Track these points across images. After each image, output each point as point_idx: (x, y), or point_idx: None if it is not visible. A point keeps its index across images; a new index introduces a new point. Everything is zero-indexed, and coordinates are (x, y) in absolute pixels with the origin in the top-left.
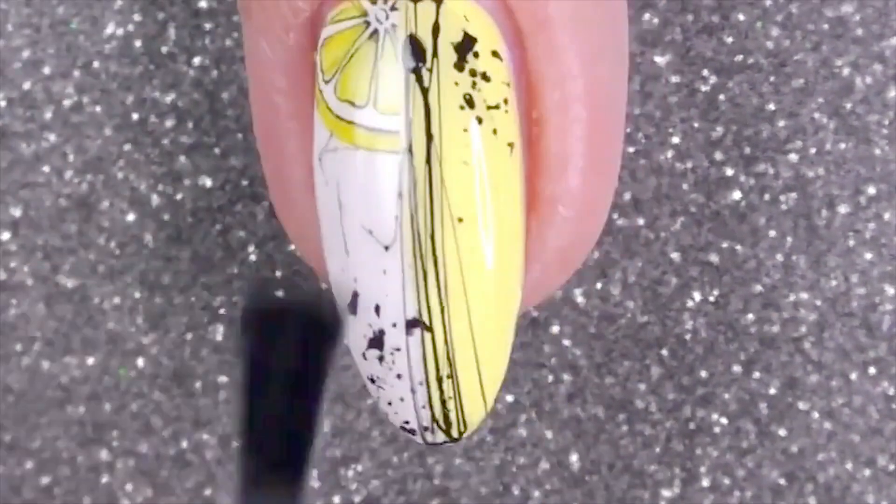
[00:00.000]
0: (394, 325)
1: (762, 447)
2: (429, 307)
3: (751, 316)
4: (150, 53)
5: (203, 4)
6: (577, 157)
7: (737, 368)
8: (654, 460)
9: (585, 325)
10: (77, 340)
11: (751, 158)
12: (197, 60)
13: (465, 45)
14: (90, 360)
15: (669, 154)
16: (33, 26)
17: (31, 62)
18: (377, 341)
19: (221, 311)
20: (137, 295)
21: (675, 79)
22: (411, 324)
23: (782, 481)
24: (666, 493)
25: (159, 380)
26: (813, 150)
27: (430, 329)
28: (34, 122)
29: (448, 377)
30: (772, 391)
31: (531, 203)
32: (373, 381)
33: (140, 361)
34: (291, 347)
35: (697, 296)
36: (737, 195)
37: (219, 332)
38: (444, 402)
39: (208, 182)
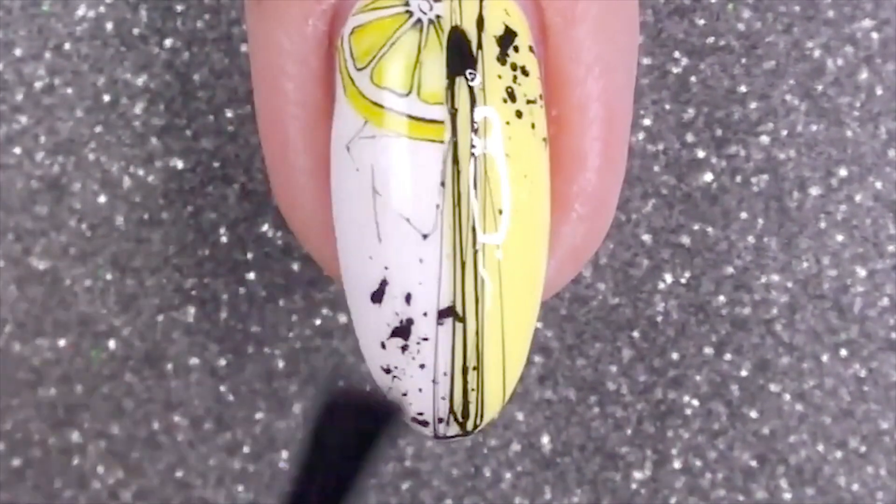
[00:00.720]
0: (425, 314)
1: (733, 429)
2: (464, 297)
3: (722, 298)
4: (121, 35)
5: None
6: (593, 156)
7: (708, 350)
8: (625, 442)
9: (556, 308)
10: (48, 322)
11: (722, 140)
12: (168, 42)
13: (507, 39)
14: (61, 342)
15: (641, 136)
16: (4, 8)
17: (2, 44)
18: (403, 330)
19: (193, 292)
20: (109, 277)
21: (646, 61)
22: (443, 313)
23: (754, 463)
24: (637, 474)
25: (131, 361)
26: (784, 132)
27: (462, 319)
28: (5, 104)
29: (474, 369)
30: (743, 373)
31: None
32: (388, 370)
33: (111, 343)
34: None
35: (669, 278)
36: (708, 177)
37: (190, 314)
38: (465, 394)
39: (180, 164)
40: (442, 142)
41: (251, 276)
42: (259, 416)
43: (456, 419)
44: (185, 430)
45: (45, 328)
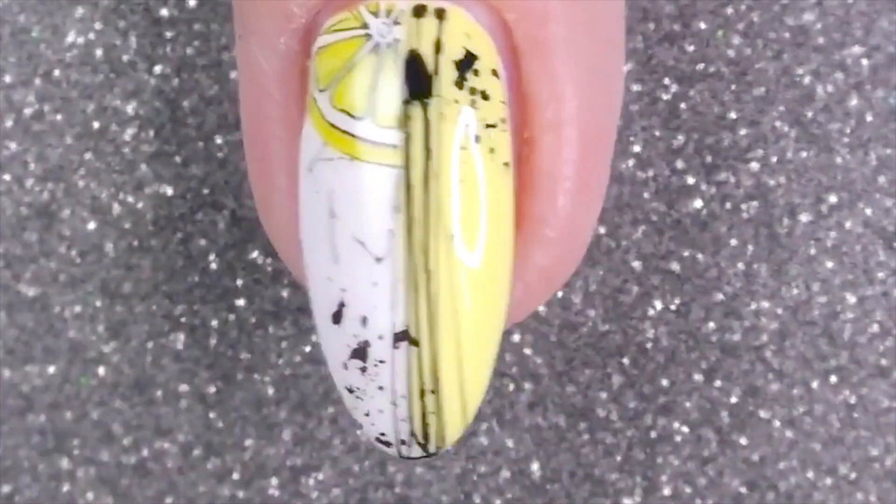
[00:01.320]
0: (380, 337)
1: (723, 456)
2: (417, 321)
3: (712, 324)
4: (110, 62)
5: (164, 13)
6: (565, 178)
7: (698, 377)
8: (615, 469)
9: (546, 334)
10: (38, 349)
11: (712, 167)
12: (158, 69)
13: (466, 63)
14: (51, 369)
15: (631, 162)
16: None
17: None
18: (361, 352)
19: (182, 319)
20: (98, 303)
21: (636, 87)
22: (398, 337)
23: (743, 490)
24: (627, 501)
25: (120, 388)
26: (774, 159)
27: (416, 343)
28: None
29: (431, 392)
30: (733, 399)
31: (517, 222)
32: (350, 391)
33: (101, 370)
34: None
35: (659, 304)
36: (698, 204)
37: (180, 341)
38: (424, 417)
39: (169, 190)
40: (396, 166)
41: (241, 302)
42: (248, 442)
43: (417, 441)
44: (174, 456)
45: (35, 355)
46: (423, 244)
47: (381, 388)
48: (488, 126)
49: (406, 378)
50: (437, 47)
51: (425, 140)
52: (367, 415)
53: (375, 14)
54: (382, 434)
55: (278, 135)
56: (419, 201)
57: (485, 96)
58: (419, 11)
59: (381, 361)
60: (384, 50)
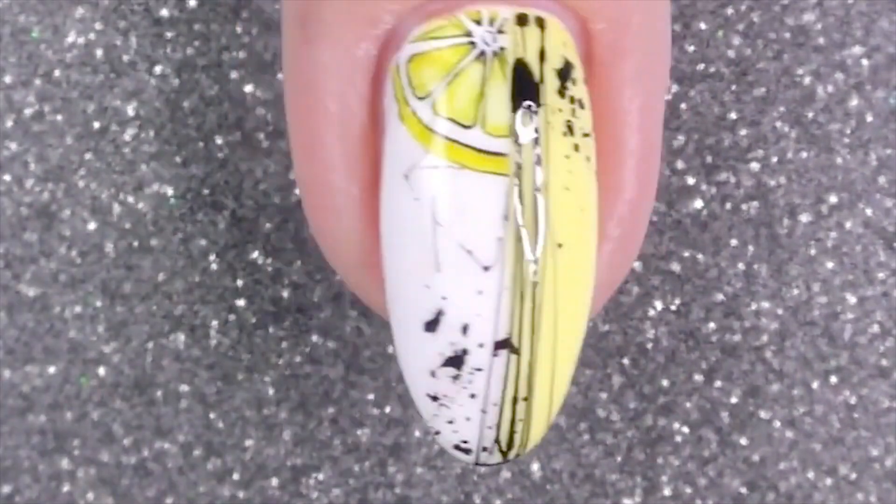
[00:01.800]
0: (480, 345)
1: (724, 456)
2: (520, 330)
3: (712, 325)
4: (111, 62)
5: (164, 13)
6: (626, 190)
7: (698, 377)
8: (615, 469)
9: None
10: (38, 349)
11: (712, 167)
12: (158, 69)
13: (566, 72)
14: (51, 369)
15: None
16: None
17: None
18: (457, 360)
19: (183, 319)
20: (98, 304)
21: None
22: (499, 345)
23: (744, 490)
24: (627, 502)
25: (120, 388)
26: (774, 159)
27: (517, 351)
28: None
29: (524, 399)
30: (733, 400)
31: None
32: (434, 398)
33: (101, 370)
34: None
35: (659, 304)
36: (698, 204)
37: (180, 341)
38: (513, 424)
39: (169, 191)
40: (506, 175)
41: (241, 302)
42: (249, 442)
43: (500, 448)
44: (174, 456)
45: (35, 355)
46: (532, 252)
47: (473, 395)
48: (585, 135)
49: (501, 386)
50: (542, 56)
51: (535, 149)
52: (450, 422)
53: (478, 22)
54: (464, 441)
55: (345, 139)
56: (529, 210)
57: (581, 105)
58: (522, 20)
59: (477, 369)
60: (490, 58)
